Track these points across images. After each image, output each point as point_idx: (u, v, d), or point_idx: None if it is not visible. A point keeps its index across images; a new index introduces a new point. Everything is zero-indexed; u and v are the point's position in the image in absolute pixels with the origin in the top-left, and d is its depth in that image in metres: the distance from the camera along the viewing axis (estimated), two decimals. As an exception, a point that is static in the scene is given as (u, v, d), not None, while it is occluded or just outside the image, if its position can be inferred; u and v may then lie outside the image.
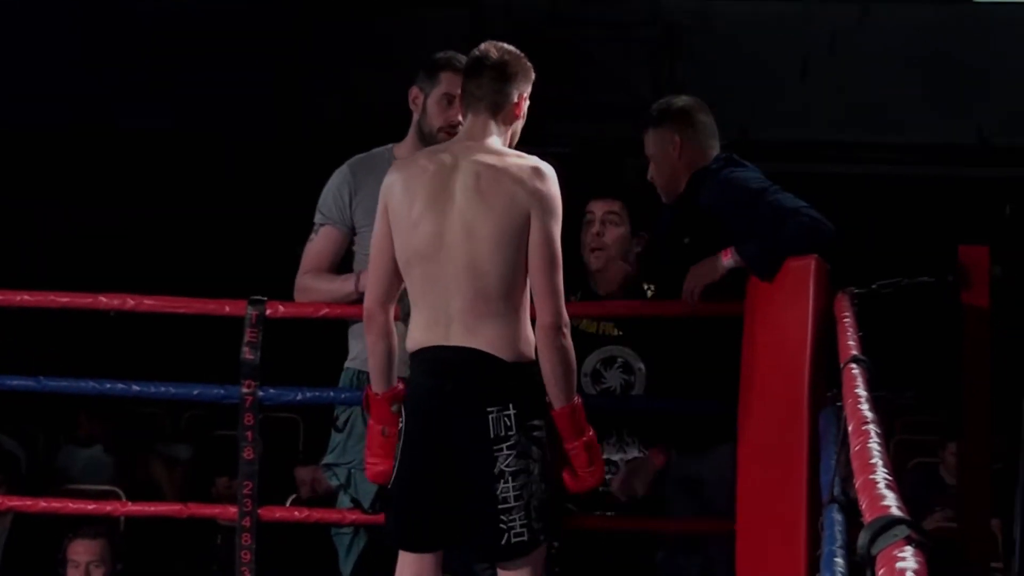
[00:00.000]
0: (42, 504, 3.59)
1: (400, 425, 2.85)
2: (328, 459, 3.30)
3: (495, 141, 2.86)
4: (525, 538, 2.76)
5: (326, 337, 3.51)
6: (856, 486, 1.53)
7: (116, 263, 8.12)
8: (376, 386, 2.91)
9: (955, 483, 5.48)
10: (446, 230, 2.77)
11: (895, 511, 1.36)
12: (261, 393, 3.25)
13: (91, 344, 7.18)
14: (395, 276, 2.86)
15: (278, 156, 8.31)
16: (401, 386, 2.90)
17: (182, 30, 8.26)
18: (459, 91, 3.12)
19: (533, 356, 2.80)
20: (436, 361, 2.78)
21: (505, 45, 2.91)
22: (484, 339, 2.76)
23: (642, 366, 3.43)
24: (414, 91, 3.27)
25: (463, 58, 3.14)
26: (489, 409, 2.75)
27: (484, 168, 2.80)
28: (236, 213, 8.44)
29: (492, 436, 2.74)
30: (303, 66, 8.27)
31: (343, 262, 3.33)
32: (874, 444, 1.68)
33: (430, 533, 2.82)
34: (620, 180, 7.80)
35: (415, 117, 3.29)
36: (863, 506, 1.43)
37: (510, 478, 2.74)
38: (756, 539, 3.04)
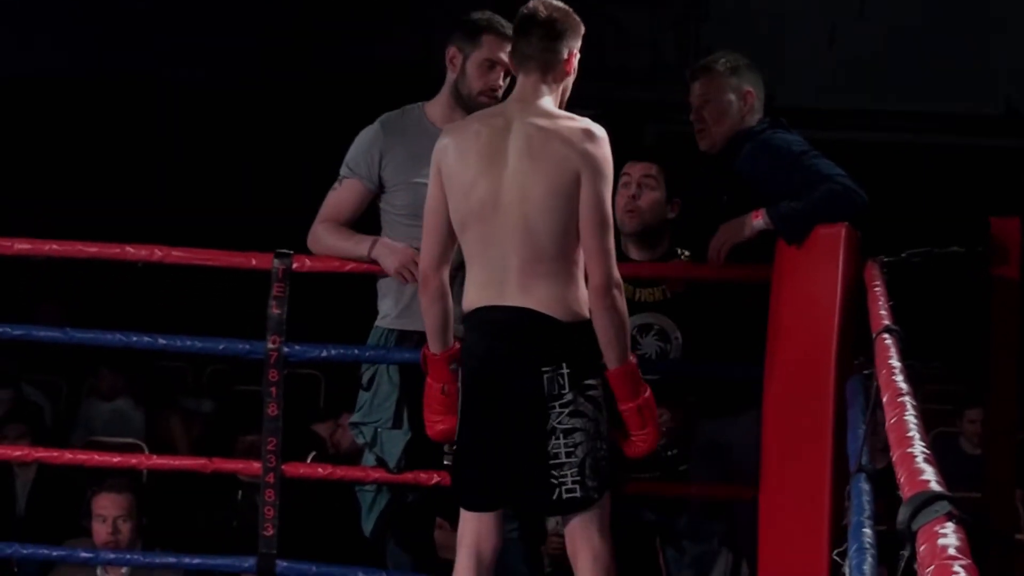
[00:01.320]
0: (67, 456, 3.61)
1: (458, 384, 2.87)
2: (355, 417, 3.30)
3: (547, 102, 2.86)
4: (577, 494, 2.79)
5: (350, 292, 3.51)
6: (893, 459, 1.52)
7: (142, 219, 8.12)
8: (433, 346, 2.92)
9: (975, 453, 5.49)
10: (501, 192, 2.79)
11: (935, 486, 1.35)
12: (286, 349, 3.25)
13: (118, 296, 7.21)
14: (449, 238, 2.87)
15: (303, 109, 8.29)
16: (457, 345, 2.92)
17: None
18: (501, 55, 3.15)
19: (587, 316, 2.82)
20: (491, 321, 2.80)
21: (553, 2, 2.89)
22: (538, 299, 2.78)
23: (679, 335, 3.41)
24: (452, 51, 3.24)
25: (505, 22, 3.15)
26: (544, 369, 2.78)
27: (536, 130, 2.81)
28: (260, 168, 8.43)
29: (545, 394, 2.77)
30: (328, 19, 8.23)
31: (362, 218, 3.32)
32: (910, 416, 1.67)
33: (489, 492, 2.86)
34: (641, 143, 7.81)
35: (451, 77, 3.26)
36: (901, 480, 1.42)
37: (562, 435, 2.77)
38: (779, 506, 3.04)
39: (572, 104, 2.94)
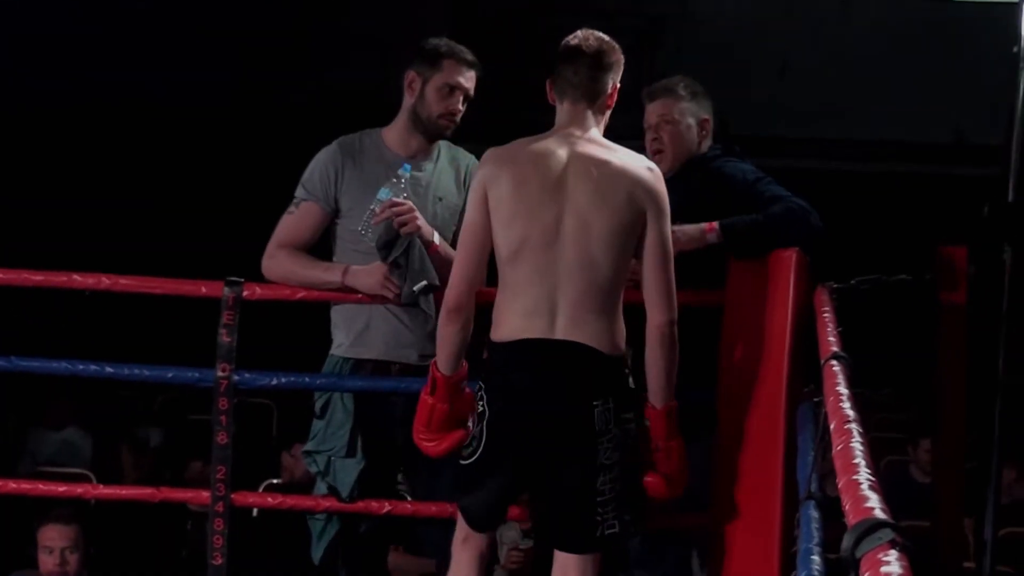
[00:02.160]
0: (11, 485, 3.55)
1: (480, 409, 2.84)
2: (308, 446, 3.28)
3: (597, 133, 2.89)
4: (617, 530, 2.81)
5: (302, 320, 3.48)
6: (839, 487, 1.53)
7: (90, 246, 8.06)
8: (447, 368, 2.89)
9: (926, 482, 5.51)
10: (562, 222, 2.79)
11: (879, 513, 1.35)
12: (236, 377, 3.22)
13: (65, 325, 7.15)
14: (483, 265, 2.86)
15: (251, 137, 8.26)
16: (466, 367, 2.90)
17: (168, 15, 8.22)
18: (460, 80, 3.17)
19: (623, 350, 2.83)
20: (541, 353, 2.78)
21: (599, 33, 2.92)
22: (588, 333, 2.78)
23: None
24: (411, 75, 3.24)
25: (465, 50, 3.18)
26: (595, 403, 2.77)
27: (599, 164, 2.82)
28: (210, 194, 8.39)
29: (596, 429, 2.77)
30: (279, 48, 8.22)
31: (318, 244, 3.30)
32: (857, 444, 1.67)
33: (502, 513, 2.92)
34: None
35: (408, 101, 3.25)
36: (846, 507, 1.42)
37: (608, 471, 2.78)
38: (730, 532, 3.04)
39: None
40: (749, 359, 3.07)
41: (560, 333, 2.79)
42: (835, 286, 3.06)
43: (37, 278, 3.31)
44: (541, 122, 2.94)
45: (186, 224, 8.35)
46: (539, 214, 2.79)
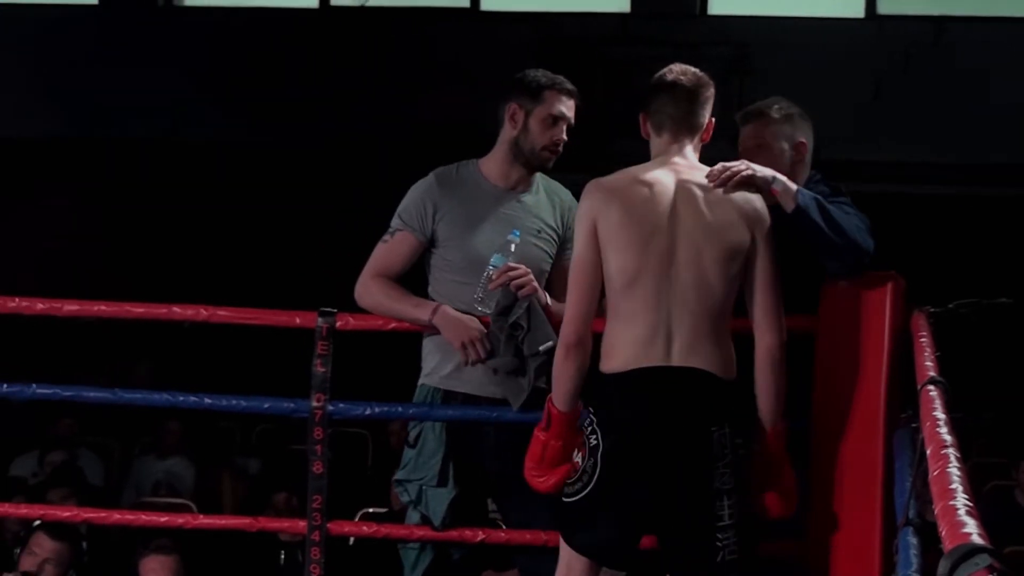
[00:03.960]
0: (115, 516, 3.62)
1: (593, 443, 2.82)
2: (399, 475, 3.29)
3: (696, 162, 2.91)
4: (736, 555, 2.80)
5: (395, 349, 3.51)
6: (936, 512, 1.50)
7: (184, 278, 8.21)
8: (564, 405, 2.88)
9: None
10: (675, 249, 2.80)
11: (976, 539, 1.33)
12: (331, 407, 3.26)
13: (171, 356, 7.30)
14: (597, 301, 2.87)
15: (339, 167, 8.36)
16: (581, 404, 2.90)
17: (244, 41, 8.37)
18: (563, 110, 3.21)
19: (735, 374, 2.84)
20: (659, 381, 2.79)
21: (694, 68, 2.95)
22: (704, 358, 2.79)
23: None
24: (512, 107, 3.25)
25: (565, 79, 3.22)
26: (713, 428, 2.78)
27: (707, 191, 2.85)
28: (296, 225, 8.51)
29: (714, 455, 2.78)
30: (366, 77, 8.33)
31: (408, 273, 3.33)
32: (953, 469, 1.65)
33: (627, 551, 2.87)
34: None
35: (511, 133, 3.27)
36: (943, 533, 1.40)
37: (726, 496, 2.78)
38: (828, 560, 3.00)
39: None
40: (845, 385, 3.04)
41: (677, 360, 2.79)
42: (933, 310, 3.02)
43: (138, 310, 3.38)
44: (625, 151, 2.95)
45: (281, 256, 8.47)
46: (652, 242, 2.80)
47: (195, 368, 6.15)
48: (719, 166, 2.92)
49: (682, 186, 2.84)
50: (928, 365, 2.48)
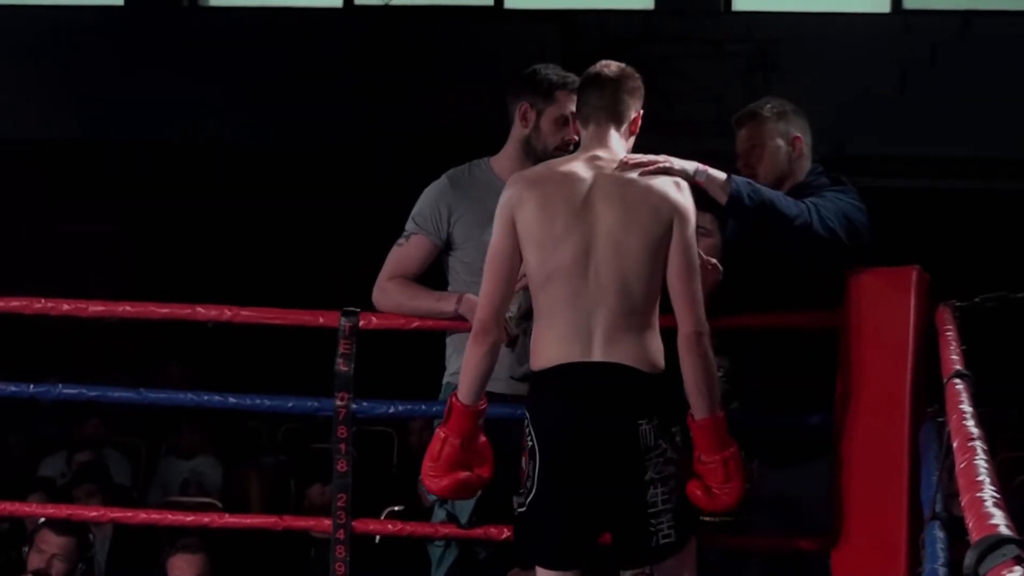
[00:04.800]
0: (141, 516, 3.63)
1: (530, 445, 2.83)
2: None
3: (621, 155, 2.88)
4: (673, 539, 2.81)
5: (418, 348, 3.51)
6: (962, 504, 1.49)
7: (208, 278, 8.24)
8: (468, 397, 2.89)
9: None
10: (593, 245, 2.79)
11: (1003, 530, 1.32)
12: (355, 406, 3.26)
13: (202, 356, 7.33)
14: (511, 289, 2.88)
15: (362, 167, 8.37)
16: (486, 401, 2.90)
17: (268, 41, 8.39)
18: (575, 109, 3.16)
19: (663, 366, 2.82)
20: (580, 377, 2.79)
21: (622, 64, 2.95)
22: (626, 353, 2.78)
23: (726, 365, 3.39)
24: (523, 106, 3.24)
25: (575, 77, 3.16)
26: (639, 422, 2.77)
27: (625, 183, 2.83)
28: (321, 225, 8.53)
29: (642, 447, 2.77)
30: (389, 77, 8.33)
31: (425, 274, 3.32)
32: (980, 461, 1.63)
33: (579, 548, 2.85)
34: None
35: (522, 132, 3.26)
36: (970, 525, 1.39)
37: (659, 484, 2.79)
38: (852, 556, 2.99)
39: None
40: (870, 379, 3.03)
41: (598, 355, 2.77)
42: (958, 304, 3.00)
43: (163, 311, 3.40)
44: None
45: (306, 256, 8.49)
46: (567, 238, 2.78)
47: (227, 368, 6.15)
48: (637, 155, 2.90)
49: (602, 179, 2.82)
50: (954, 359, 2.46)
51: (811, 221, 3.02)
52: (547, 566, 2.86)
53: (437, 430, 2.94)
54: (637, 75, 2.94)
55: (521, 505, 2.86)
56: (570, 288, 2.78)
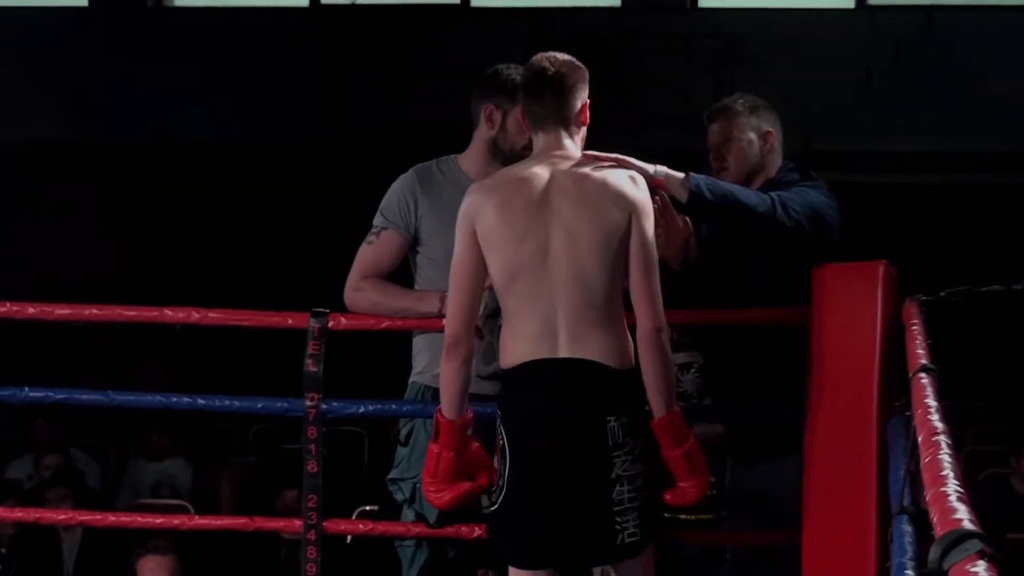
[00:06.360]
0: (111, 518, 3.62)
1: (501, 443, 2.83)
2: (393, 474, 3.29)
3: (576, 151, 2.89)
4: (637, 538, 2.80)
5: (387, 348, 3.51)
6: (927, 499, 1.51)
7: (179, 279, 8.20)
8: (451, 412, 2.87)
9: (1028, 494, 5.40)
10: (551, 241, 2.79)
11: (967, 524, 1.33)
12: (324, 406, 3.25)
13: (179, 359, 7.29)
14: (479, 299, 2.87)
15: (330, 166, 8.35)
16: (471, 412, 2.90)
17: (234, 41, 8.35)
18: None
19: (634, 362, 2.82)
20: (547, 374, 2.79)
21: (558, 55, 2.91)
22: (592, 349, 2.78)
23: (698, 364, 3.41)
24: (489, 108, 3.22)
25: None
26: (607, 418, 2.77)
27: (581, 178, 2.83)
28: (289, 225, 8.50)
29: (610, 444, 2.77)
30: (357, 76, 8.31)
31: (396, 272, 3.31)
32: (945, 456, 1.65)
33: (550, 547, 2.83)
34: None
35: (488, 133, 3.24)
36: (934, 519, 1.40)
37: (625, 482, 2.78)
38: (823, 551, 3.00)
39: (610, 152, 2.94)
40: (838, 374, 3.04)
41: (564, 352, 2.78)
42: (924, 298, 3.02)
43: (130, 313, 3.38)
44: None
45: (273, 256, 8.46)
46: (528, 236, 2.79)
47: (203, 371, 6.12)
48: (594, 152, 2.91)
49: (558, 177, 2.83)
50: (920, 353, 2.48)
51: (775, 211, 3.04)
52: (520, 565, 2.87)
53: (430, 446, 2.93)
54: (575, 64, 2.90)
55: (493, 504, 2.87)
56: (533, 284, 2.79)
